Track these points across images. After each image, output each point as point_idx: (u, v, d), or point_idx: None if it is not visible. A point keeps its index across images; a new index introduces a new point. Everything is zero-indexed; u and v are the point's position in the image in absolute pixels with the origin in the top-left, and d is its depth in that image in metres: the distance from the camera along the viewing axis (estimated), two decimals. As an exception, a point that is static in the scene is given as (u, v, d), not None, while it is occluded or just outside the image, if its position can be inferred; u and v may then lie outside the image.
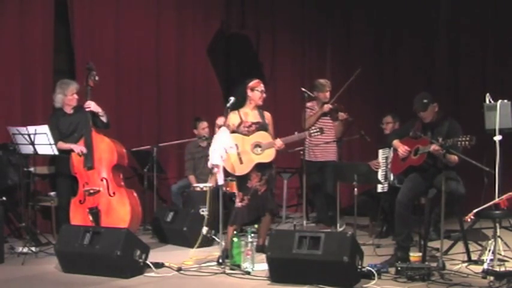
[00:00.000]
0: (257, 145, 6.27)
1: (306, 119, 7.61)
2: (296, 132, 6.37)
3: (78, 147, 6.72)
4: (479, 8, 9.22)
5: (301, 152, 7.91)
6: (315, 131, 6.53)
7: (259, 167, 6.29)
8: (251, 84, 6.39)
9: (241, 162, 6.25)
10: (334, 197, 7.81)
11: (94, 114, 6.81)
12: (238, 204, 6.33)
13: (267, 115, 6.45)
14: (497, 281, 5.12)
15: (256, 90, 6.37)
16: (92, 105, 6.76)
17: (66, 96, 6.95)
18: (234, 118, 6.34)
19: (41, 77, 7.82)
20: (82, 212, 6.63)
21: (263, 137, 6.29)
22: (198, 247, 6.69)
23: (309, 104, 7.80)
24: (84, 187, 6.66)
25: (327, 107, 7.78)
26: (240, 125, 6.33)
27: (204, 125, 8.35)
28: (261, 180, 6.32)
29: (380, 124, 8.02)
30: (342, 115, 7.80)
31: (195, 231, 6.94)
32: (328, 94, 7.84)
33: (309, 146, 7.75)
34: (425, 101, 6.02)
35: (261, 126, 6.34)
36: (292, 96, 9.55)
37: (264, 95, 6.42)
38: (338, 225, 7.78)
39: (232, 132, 6.25)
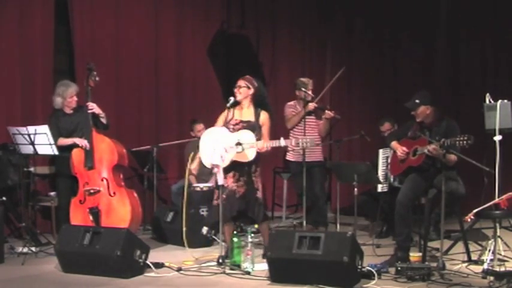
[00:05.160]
0: (238, 143, 6.06)
1: (289, 119, 7.57)
2: (282, 138, 6.06)
3: (83, 141, 6.71)
4: (479, 8, 9.22)
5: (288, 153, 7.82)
6: (306, 142, 6.02)
7: (237, 166, 6.11)
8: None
9: None
10: (322, 199, 7.74)
11: (94, 116, 6.83)
12: (214, 202, 6.24)
13: (263, 116, 6.20)
14: (497, 281, 5.12)
15: (235, 88, 6.27)
16: (94, 107, 6.78)
17: (66, 99, 6.97)
18: (224, 114, 6.24)
19: (41, 77, 7.82)
20: (82, 212, 6.64)
21: (246, 136, 6.06)
22: (198, 247, 6.72)
23: (290, 104, 7.72)
24: (85, 187, 6.67)
25: (312, 105, 7.52)
26: (229, 121, 6.21)
27: (200, 127, 8.31)
28: (238, 181, 6.13)
29: (380, 133, 7.93)
30: (329, 113, 7.53)
31: (195, 231, 6.95)
32: (310, 93, 7.57)
33: (294, 150, 7.53)
34: (417, 101, 6.02)
35: (249, 126, 6.13)
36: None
37: (240, 90, 6.20)
38: (338, 226, 7.78)
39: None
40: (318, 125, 7.69)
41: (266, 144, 5.99)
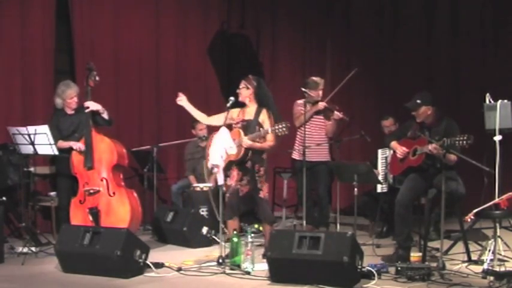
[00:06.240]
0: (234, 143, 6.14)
1: (297, 117, 7.56)
2: (261, 128, 6.14)
3: (77, 144, 6.73)
4: (479, 7, 9.22)
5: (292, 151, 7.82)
6: (280, 127, 5.97)
7: (240, 166, 6.19)
8: None
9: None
10: (325, 199, 7.74)
11: (94, 113, 6.82)
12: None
13: (263, 114, 6.21)
14: (497, 281, 5.12)
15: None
16: (90, 105, 6.77)
17: (65, 101, 6.96)
18: (233, 113, 6.33)
19: (41, 77, 7.82)
20: (82, 212, 6.63)
21: (238, 135, 6.16)
22: (198, 247, 6.72)
23: (299, 102, 7.70)
24: (84, 187, 6.67)
25: (322, 104, 7.51)
26: (236, 121, 6.30)
27: (202, 125, 8.30)
28: (241, 180, 6.21)
29: (381, 127, 7.91)
30: (337, 115, 7.51)
31: (195, 231, 6.95)
32: (321, 93, 7.60)
33: (300, 149, 7.52)
34: (418, 101, 6.02)
35: (246, 124, 6.22)
36: (292, 96, 9.52)
37: (241, 91, 6.28)
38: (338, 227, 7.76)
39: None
40: (326, 125, 7.69)
41: (245, 139, 6.06)
